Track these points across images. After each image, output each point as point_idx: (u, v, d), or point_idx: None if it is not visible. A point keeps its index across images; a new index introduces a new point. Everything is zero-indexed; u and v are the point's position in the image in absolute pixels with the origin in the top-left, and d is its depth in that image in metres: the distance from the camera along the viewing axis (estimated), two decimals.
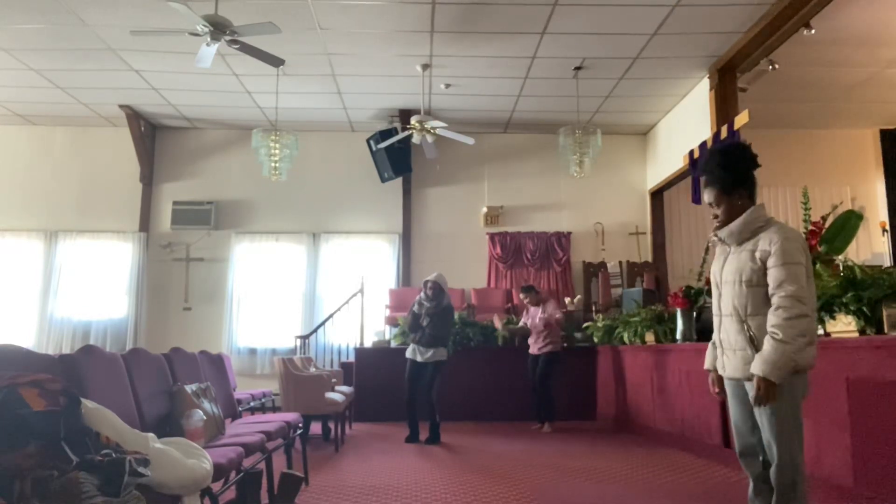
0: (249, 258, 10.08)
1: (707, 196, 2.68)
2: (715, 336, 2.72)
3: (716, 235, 2.69)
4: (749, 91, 8.23)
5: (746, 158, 2.63)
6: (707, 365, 2.80)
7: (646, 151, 10.48)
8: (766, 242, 2.48)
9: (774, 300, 2.41)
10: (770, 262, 2.45)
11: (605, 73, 8.19)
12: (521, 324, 7.64)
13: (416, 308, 6.57)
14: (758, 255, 2.49)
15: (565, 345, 7.81)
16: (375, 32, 7.13)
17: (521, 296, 7.63)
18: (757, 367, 2.40)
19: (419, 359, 6.43)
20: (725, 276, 2.62)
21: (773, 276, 2.44)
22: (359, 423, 7.81)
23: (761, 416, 2.48)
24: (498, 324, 7.78)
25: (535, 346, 7.35)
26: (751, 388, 2.46)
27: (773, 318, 2.40)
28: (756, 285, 2.49)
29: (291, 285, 10.04)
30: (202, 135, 10.38)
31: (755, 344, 2.47)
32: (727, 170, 2.62)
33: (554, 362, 7.27)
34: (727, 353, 2.61)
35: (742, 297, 2.52)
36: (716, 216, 2.67)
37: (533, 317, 7.39)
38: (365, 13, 6.69)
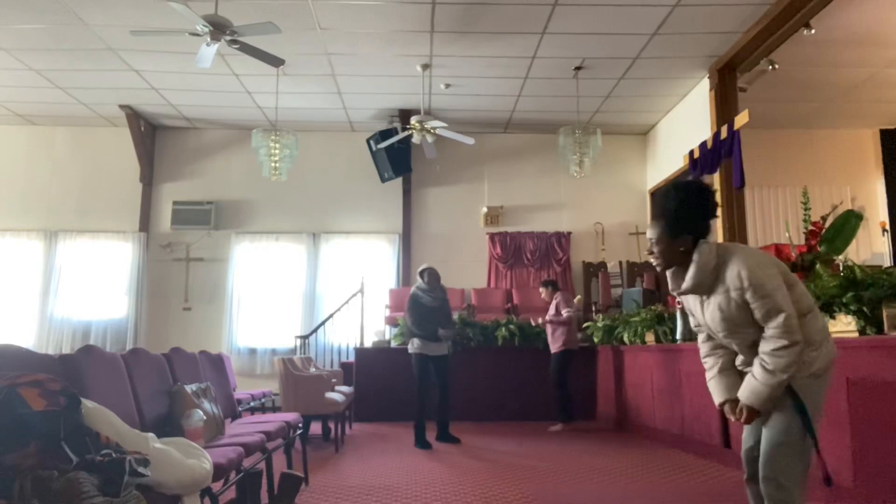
0: (249, 258, 10.08)
1: (650, 231, 2.43)
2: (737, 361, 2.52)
3: (676, 294, 2.47)
4: (749, 91, 8.23)
5: (704, 202, 2.38)
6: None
7: (646, 151, 10.48)
8: (734, 278, 2.27)
9: (766, 332, 2.27)
10: (750, 298, 2.26)
11: (605, 73, 8.19)
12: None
13: (426, 301, 6.16)
14: (733, 295, 2.29)
15: (581, 345, 7.69)
16: (375, 32, 7.13)
17: (540, 289, 7.64)
18: (743, 394, 2.34)
19: (439, 352, 6.17)
20: (713, 325, 2.42)
21: (758, 311, 2.26)
22: (359, 423, 7.81)
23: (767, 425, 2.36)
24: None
25: (550, 344, 7.35)
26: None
27: (763, 346, 2.28)
28: (748, 322, 2.32)
29: (291, 285, 10.04)
30: (202, 135, 10.38)
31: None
32: (681, 210, 2.35)
33: (565, 361, 7.21)
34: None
35: (748, 335, 2.36)
36: (651, 252, 2.44)
37: (548, 313, 7.38)
38: (365, 13, 6.69)
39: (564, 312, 7.17)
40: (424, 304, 6.18)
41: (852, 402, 3.50)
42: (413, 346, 6.21)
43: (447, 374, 6.25)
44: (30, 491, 1.78)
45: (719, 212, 7.69)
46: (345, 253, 10.17)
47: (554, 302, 7.31)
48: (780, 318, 2.23)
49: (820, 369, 2.35)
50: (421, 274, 6.34)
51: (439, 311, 6.21)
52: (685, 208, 2.36)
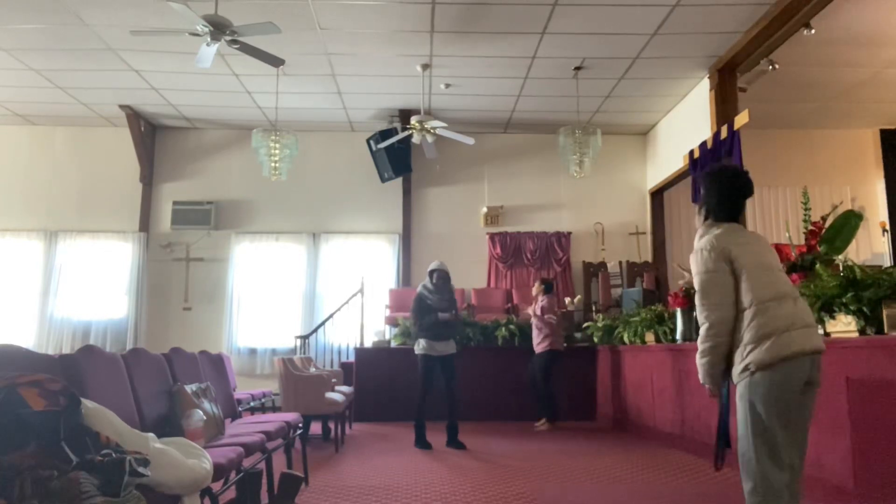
0: (249, 258, 10.08)
1: None
2: None
3: None
4: (749, 91, 8.23)
5: (713, 184, 2.60)
6: None
7: (646, 151, 10.48)
8: None
9: None
10: None
11: (605, 73, 8.19)
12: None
13: (432, 302, 6.07)
14: None
15: (565, 344, 7.73)
16: (375, 32, 7.13)
17: (535, 285, 7.66)
18: None
19: (448, 351, 6.06)
20: None
21: None
22: (359, 423, 7.82)
23: None
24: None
25: (534, 344, 7.35)
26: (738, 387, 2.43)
27: None
28: None
29: (291, 285, 10.04)
30: (202, 135, 10.38)
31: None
32: (701, 188, 2.66)
33: (550, 361, 7.24)
34: None
35: None
36: None
37: (532, 308, 7.39)
38: (365, 13, 6.69)
39: (546, 318, 7.23)
40: (430, 306, 6.08)
41: (852, 402, 3.50)
42: (419, 346, 6.09)
43: (455, 373, 6.09)
44: (30, 491, 1.78)
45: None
46: (345, 253, 10.17)
47: (539, 303, 7.32)
48: (698, 302, 2.47)
49: (754, 364, 2.30)
50: (430, 274, 6.22)
51: (447, 307, 6.10)
52: (701, 187, 2.66)
